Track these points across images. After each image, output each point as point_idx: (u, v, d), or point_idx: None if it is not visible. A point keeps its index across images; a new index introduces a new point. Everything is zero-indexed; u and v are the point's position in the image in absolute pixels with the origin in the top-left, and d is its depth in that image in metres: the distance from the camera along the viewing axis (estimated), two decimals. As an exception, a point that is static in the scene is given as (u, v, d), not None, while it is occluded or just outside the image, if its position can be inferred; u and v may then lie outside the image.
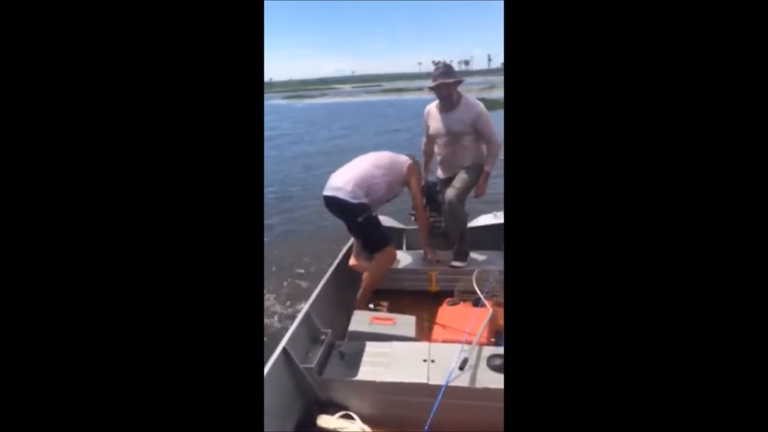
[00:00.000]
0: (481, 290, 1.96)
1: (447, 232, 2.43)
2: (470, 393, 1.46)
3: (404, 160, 2.32)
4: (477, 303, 1.95)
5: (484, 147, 2.33)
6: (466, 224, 2.44)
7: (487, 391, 1.45)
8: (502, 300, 2.19)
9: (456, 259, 2.39)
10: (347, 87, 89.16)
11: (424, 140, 2.53)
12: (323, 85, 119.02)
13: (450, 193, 2.27)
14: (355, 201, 2.07)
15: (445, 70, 2.22)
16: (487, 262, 2.35)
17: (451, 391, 1.42)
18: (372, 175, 2.16)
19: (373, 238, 2.19)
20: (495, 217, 2.93)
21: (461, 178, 2.31)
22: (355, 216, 2.10)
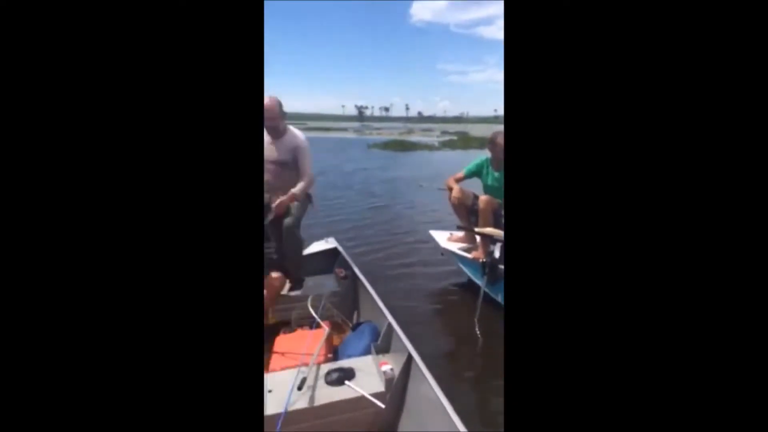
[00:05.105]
0: (316, 313, 2.02)
1: (283, 260, 2.40)
2: (311, 412, 1.46)
3: None
4: (312, 326, 2.00)
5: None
6: (302, 251, 2.50)
7: (327, 407, 1.47)
8: (336, 319, 2.30)
9: (292, 288, 2.42)
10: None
11: None
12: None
13: (288, 221, 2.35)
14: None
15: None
16: (321, 286, 2.44)
17: (292, 417, 1.40)
18: None
19: None
20: (326, 243, 3.06)
21: (295, 206, 2.39)
22: None
